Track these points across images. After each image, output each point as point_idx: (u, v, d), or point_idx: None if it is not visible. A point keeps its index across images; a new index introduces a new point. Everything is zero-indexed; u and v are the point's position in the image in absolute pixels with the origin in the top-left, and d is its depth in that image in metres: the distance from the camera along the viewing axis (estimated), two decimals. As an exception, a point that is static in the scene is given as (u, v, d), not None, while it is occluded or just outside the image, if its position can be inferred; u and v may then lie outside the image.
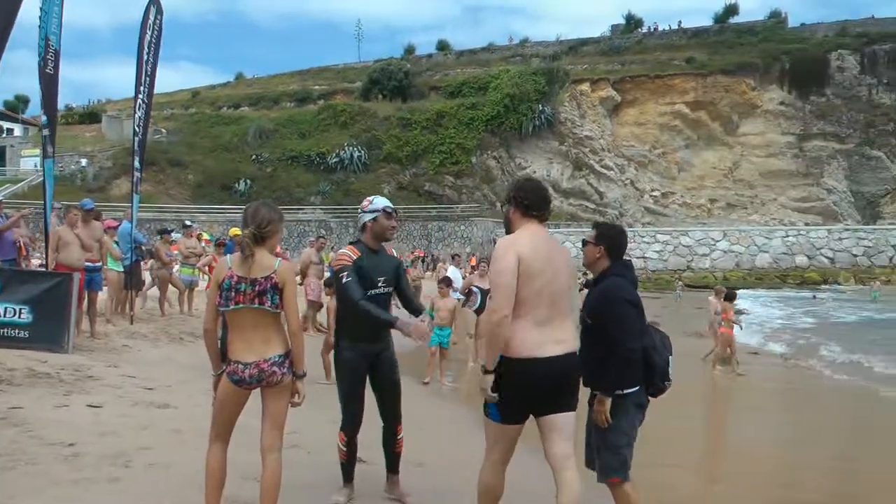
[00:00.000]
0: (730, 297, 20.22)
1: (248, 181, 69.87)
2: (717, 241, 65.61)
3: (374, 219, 7.06)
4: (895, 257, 64.24)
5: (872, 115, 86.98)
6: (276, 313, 5.78)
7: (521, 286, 5.49)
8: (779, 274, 62.82)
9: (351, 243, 7.17)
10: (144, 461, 7.38)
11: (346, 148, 73.69)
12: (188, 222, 24.50)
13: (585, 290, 6.66)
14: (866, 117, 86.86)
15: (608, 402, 6.00)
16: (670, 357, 6.39)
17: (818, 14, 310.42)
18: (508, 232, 5.88)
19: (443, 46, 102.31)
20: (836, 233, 67.42)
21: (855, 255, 64.63)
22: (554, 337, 5.56)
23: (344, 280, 6.89)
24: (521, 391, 5.54)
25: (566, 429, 5.66)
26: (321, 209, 68.16)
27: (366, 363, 6.97)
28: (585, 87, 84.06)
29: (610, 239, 6.38)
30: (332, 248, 38.36)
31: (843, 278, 62.05)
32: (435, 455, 8.57)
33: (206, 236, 30.11)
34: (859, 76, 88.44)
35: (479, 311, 17.40)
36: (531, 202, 5.78)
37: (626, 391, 6.07)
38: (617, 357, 5.92)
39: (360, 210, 7.22)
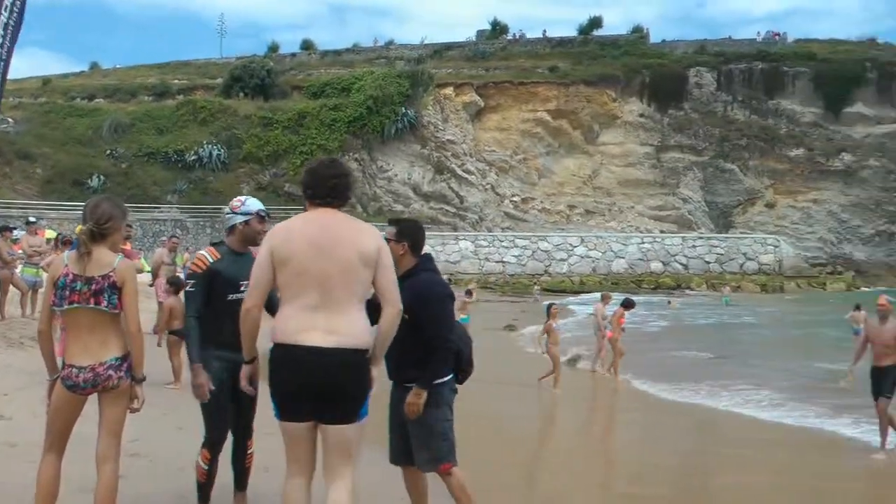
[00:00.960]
0: (628, 305, 20.64)
1: (102, 177, 67.51)
2: (575, 246, 66.65)
3: (247, 222, 6.70)
4: (745, 264, 66.77)
5: (727, 130, 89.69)
6: (114, 314, 5.48)
7: (278, 270, 5.21)
8: (634, 279, 64.12)
9: (212, 244, 6.85)
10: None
11: (206, 146, 71.82)
12: (32, 219, 23.53)
13: None
14: (721, 132, 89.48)
15: (425, 394, 6.08)
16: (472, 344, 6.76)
17: (678, 32, 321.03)
18: None
19: (307, 46, 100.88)
20: (690, 240, 69.62)
21: (707, 262, 66.81)
22: (326, 326, 5.11)
23: (187, 289, 6.70)
24: (282, 381, 5.19)
25: (339, 444, 5.26)
26: (178, 208, 66.50)
27: (231, 372, 6.48)
28: (449, 91, 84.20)
29: (412, 235, 6.44)
30: (187, 248, 37.59)
31: (696, 284, 63.98)
32: (282, 459, 8.21)
33: (49, 233, 28.90)
34: (716, 93, 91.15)
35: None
36: (313, 190, 5.41)
37: (445, 379, 6.28)
38: (437, 350, 6.09)
39: (228, 210, 6.83)
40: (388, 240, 6.05)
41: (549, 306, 19.17)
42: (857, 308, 26.80)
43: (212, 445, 6.61)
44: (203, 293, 6.53)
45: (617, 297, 25.10)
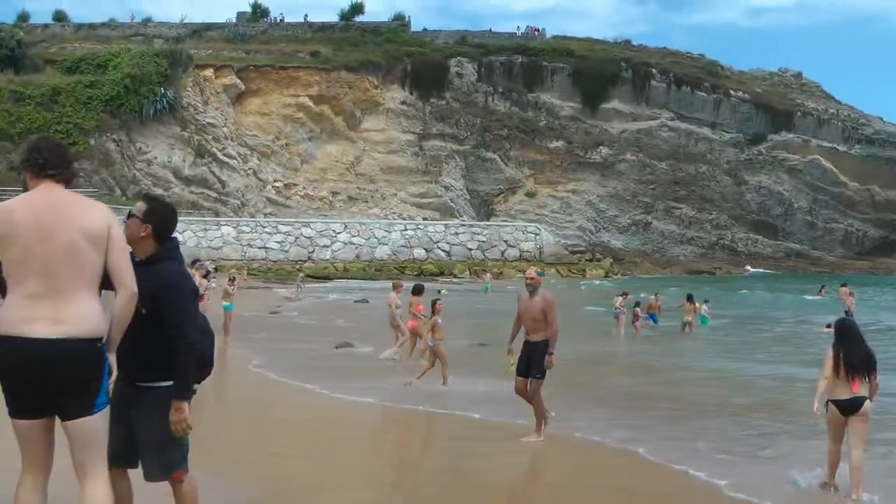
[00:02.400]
0: (417, 292, 20.19)
1: None
2: (338, 233, 66.73)
3: None
4: (507, 252, 68.79)
5: (489, 120, 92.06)
6: None
7: (2, 254, 4.87)
8: (397, 266, 64.62)
9: None
10: None
11: (-52, 121, 66.99)
12: None
13: None
14: (483, 122, 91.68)
15: (187, 405, 5.48)
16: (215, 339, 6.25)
17: (439, 22, 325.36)
18: None
19: (60, 17, 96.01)
20: (453, 228, 71.21)
21: (470, 249, 68.41)
22: (52, 315, 4.74)
23: None
24: (7, 376, 4.81)
25: (83, 438, 4.92)
26: (-86, 190, 61.64)
27: None
28: (209, 72, 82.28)
29: (161, 220, 5.72)
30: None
31: (459, 270, 65.13)
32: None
33: None
34: (477, 83, 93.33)
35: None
36: (45, 159, 5.03)
37: None
38: (182, 349, 5.39)
39: None
40: (132, 214, 5.65)
41: (435, 301, 17.82)
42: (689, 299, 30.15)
43: None
44: None
45: (387, 285, 24.58)
